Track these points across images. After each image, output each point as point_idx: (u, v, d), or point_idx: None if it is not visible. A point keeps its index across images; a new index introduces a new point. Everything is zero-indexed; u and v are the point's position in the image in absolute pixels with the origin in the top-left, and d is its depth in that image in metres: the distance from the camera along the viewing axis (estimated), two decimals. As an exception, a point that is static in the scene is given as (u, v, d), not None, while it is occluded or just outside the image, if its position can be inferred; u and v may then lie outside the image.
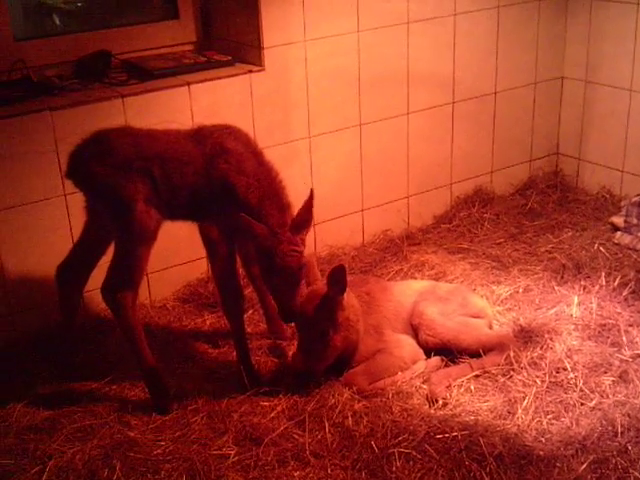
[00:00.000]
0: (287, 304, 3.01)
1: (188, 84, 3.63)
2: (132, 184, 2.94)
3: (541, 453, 2.76)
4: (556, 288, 3.81)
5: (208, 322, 3.72)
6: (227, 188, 2.95)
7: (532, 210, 4.67)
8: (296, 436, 2.91)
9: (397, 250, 4.30)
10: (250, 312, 3.74)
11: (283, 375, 3.30)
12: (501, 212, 4.62)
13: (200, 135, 3.03)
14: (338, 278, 3.10)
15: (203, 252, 3.77)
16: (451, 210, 4.65)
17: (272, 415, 3.03)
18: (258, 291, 3.52)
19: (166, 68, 3.71)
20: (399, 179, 4.42)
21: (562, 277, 3.92)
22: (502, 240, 4.36)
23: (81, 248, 3.22)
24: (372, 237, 4.41)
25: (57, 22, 3.91)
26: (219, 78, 3.70)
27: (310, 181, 4.08)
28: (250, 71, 3.78)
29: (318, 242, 4.16)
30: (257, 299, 3.62)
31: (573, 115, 4.85)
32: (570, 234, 4.33)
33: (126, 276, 3.01)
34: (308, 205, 3.00)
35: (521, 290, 3.83)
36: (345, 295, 3.18)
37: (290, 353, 3.43)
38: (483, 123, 4.64)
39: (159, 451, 2.86)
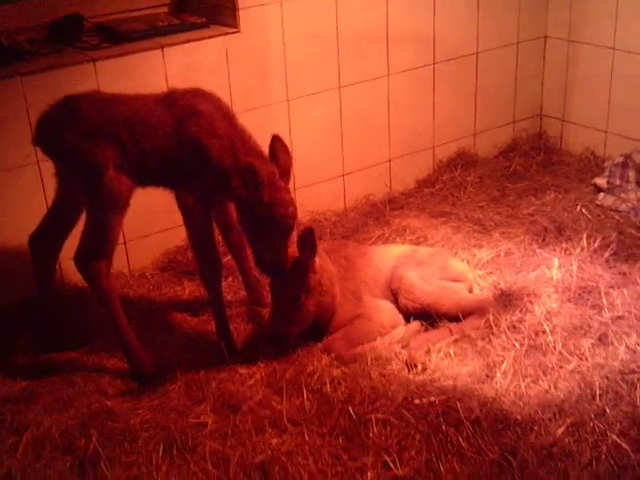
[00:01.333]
0: (278, 256, 2.97)
1: (162, 47, 3.57)
2: (101, 150, 2.88)
3: (518, 417, 2.75)
4: (537, 251, 3.79)
5: (187, 290, 3.69)
6: (199, 151, 2.90)
7: (515, 172, 4.63)
8: (274, 403, 2.90)
9: (379, 215, 4.27)
10: (230, 279, 3.71)
11: (261, 342, 3.28)
12: (484, 175, 4.58)
13: (170, 98, 2.98)
14: (308, 242, 3.07)
15: (180, 219, 3.75)
16: (434, 174, 4.61)
17: (250, 383, 3.02)
18: (236, 258, 3.48)
19: (139, 31, 3.64)
20: (380, 143, 4.37)
21: (543, 240, 3.90)
22: (484, 203, 4.32)
23: (53, 216, 3.17)
24: (354, 202, 4.38)
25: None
26: (194, 41, 3.63)
27: (290, 145, 3.99)
28: (225, 33, 3.71)
29: (299, 208, 4.04)
30: (235, 266, 3.59)
31: (556, 75, 4.79)
32: (552, 196, 4.30)
33: (99, 245, 2.97)
34: (285, 150, 2.97)
35: (502, 254, 3.80)
36: (317, 259, 3.15)
37: (267, 319, 3.42)
38: (465, 84, 4.58)
39: (136, 420, 2.84)
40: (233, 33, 3.71)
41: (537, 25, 4.71)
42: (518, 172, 4.62)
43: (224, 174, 2.89)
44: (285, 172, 2.98)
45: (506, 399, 2.86)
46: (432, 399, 2.82)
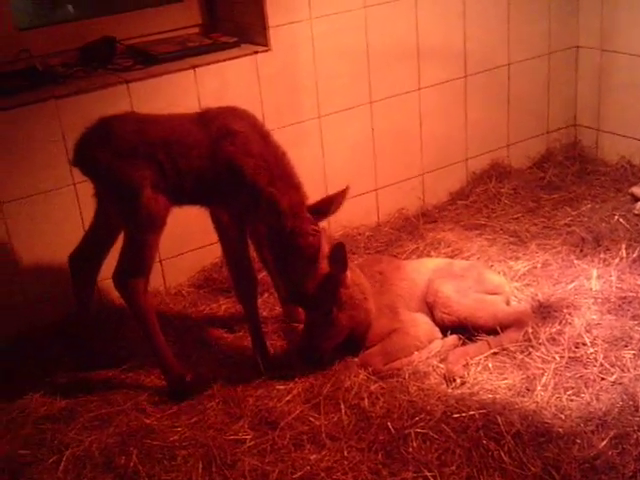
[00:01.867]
0: (301, 286, 2.96)
1: (194, 67, 3.60)
2: (138, 170, 2.91)
3: (560, 430, 2.71)
4: (575, 262, 3.74)
5: (223, 307, 3.70)
6: (234, 170, 2.92)
7: (550, 183, 4.59)
8: (312, 419, 2.89)
9: (413, 229, 4.25)
10: (265, 295, 3.71)
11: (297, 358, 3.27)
12: (518, 186, 4.54)
13: (205, 118, 3.00)
14: (338, 256, 3.06)
15: (216, 237, 3.77)
16: (467, 186, 4.58)
17: (288, 398, 3.01)
18: (272, 274, 3.49)
19: (171, 52, 3.67)
20: (413, 156, 4.36)
21: (581, 250, 3.85)
22: (520, 215, 4.29)
23: (92, 236, 3.21)
24: (387, 216, 4.36)
25: (61, 10, 3.89)
26: (225, 60, 3.66)
27: (322, 162, 4.04)
28: (256, 52, 3.73)
29: (332, 223, 4.11)
30: (271, 283, 3.59)
31: (590, 85, 4.75)
32: (589, 206, 4.25)
33: (136, 263, 2.99)
34: (337, 198, 2.97)
35: (539, 265, 3.77)
36: (349, 273, 3.15)
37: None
38: (497, 96, 4.56)
39: (175, 437, 2.85)
40: (264, 51, 3.73)
41: (568, 35, 4.68)
42: (553, 182, 4.58)
43: (258, 193, 2.90)
44: (318, 212, 2.96)
45: (547, 412, 2.82)
46: (472, 413, 2.79)
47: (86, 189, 3.23)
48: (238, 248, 3.13)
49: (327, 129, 4.01)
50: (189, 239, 3.80)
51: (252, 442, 2.80)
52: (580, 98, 4.84)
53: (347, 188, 2.96)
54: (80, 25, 3.76)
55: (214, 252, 3.86)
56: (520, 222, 4.21)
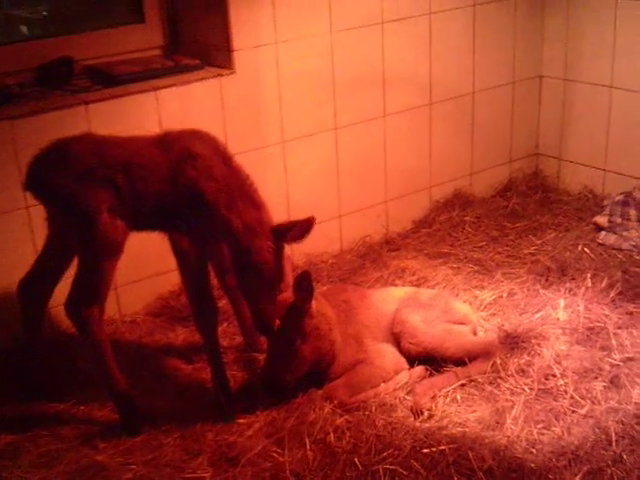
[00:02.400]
0: (263, 311, 2.81)
1: (155, 89, 3.49)
2: (95, 194, 2.78)
3: (532, 465, 2.63)
4: (541, 291, 3.69)
5: (181, 337, 3.56)
6: (195, 195, 2.80)
7: (513, 212, 4.55)
8: (275, 455, 2.76)
9: (376, 257, 4.17)
10: (225, 325, 3.58)
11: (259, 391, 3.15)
12: (482, 215, 4.50)
13: (166, 141, 2.88)
14: (304, 285, 2.96)
15: (174, 263, 3.64)
16: (430, 214, 4.52)
17: (249, 433, 2.89)
18: (233, 302, 3.38)
19: (132, 73, 3.55)
20: (377, 184, 4.30)
21: (547, 280, 3.80)
22: (484, 243, 4.24)
23: (43, 261, 3.05)
24: (350, 244, 4.28)
25: (16, 30, 3.75)
26: (188, 83, 3.55)
27: (285, 188, 3.95)
28: (220, 75, 3.64)
29: (295, 251, 3.99)
30: (232, 311, 3.47)
31: (552, 114, 4.75)
32: (553, 235, 4.23)
33: (91, 291, 2.85)
34: (304, 225, 2.83)
35: (505, 294, 3.71)
36: (314, 303, 3.05)
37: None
38: (461, 124, 4.53)
39: (129, 475, 2.69)
40: (228, 75, 3.64)
41: (532, 64, 4.68)
42: (516, 211, 4.55)
43: (220, 218, 2.79)
44: (281, 233, 2.82)
45: (518, 446, 2.74)
46: (442, 448, 2.69)
47: (39, 212, 3.07)
48: (198, 275, 3.01)
49: (291, 154, 3.92)
50: (145, 265, 3.66)
51: (211, 480, 2.67)
52: (543, 127, 4.84)
53: (313, 218, 2.83)
54: (38, 45, 3.61)
55: (171, 279, 3.73)
56: (484, 251, 4.16)
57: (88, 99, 3.36)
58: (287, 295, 3.06)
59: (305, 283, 2.96)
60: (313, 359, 3.08)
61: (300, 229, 2.82)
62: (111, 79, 3.51)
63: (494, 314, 3.59)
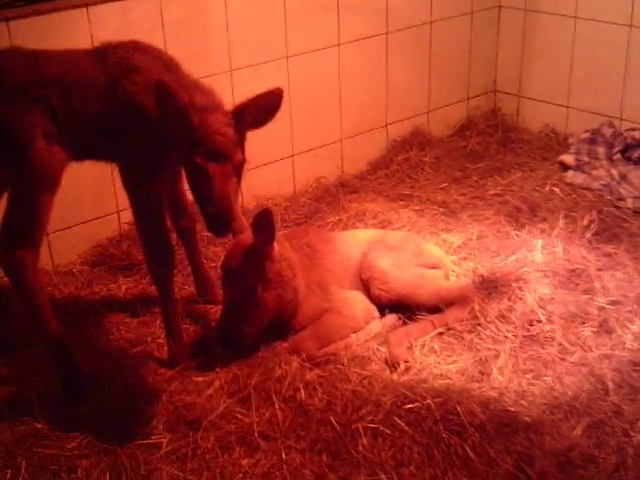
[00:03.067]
0: (220, 200, 2.31)
1: (87, 5, 3.06)
2: (28, 116, 2.39)
3: (527, 419, 2.39)
4: (512, 233, 3.45)
5: (124, 287, 3.19)
6: (136, 113, 2.43)
7: (474, 152, 4.30)
8: (240, 416, 2.46)
9: (333, 199, 3.85)
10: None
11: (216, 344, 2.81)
12: (441, 155, 4.23)
13: (103, 53, 2.49)
14: (264, 225, 2.64)
15: (113, 206, 3.26)
16: (388, 154, 4.22)
17: (209, 392, 2.57)
18: (187, 246, 3.04)
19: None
20: (331, 120, 3.97)
21: (517, 221, 3.56)
22: (446, 184, 3.96)
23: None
24: (304, 186, 3.95)
25: None
26: (123, -1, 3.13)
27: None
28: (159, -9, 3.23)
29: (245, 193, 3.65)
30: (184, 257, 3.11)
31: (512, 48, 4.48)
32: (519, 175, 3.99)
33: (24, 230, 2.46)
34: (266, 100, 2.44)
35: (475, 237, 3.46)
36: (276, 246, 2.73)
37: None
38: (418, 56, 4.22)
39: (73, 445, 2.39)
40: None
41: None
42: (477, 151, 4.29)
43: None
44: (251, 120, 2.44)
45: (507, 398, 2.51)
46: (427, 402, 2.42)
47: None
48: (153, 210, 2.61)
49: (239, 84, 3.55)
50: (80, 209, 3.28)
51: (169, 447, 2.36)
52: (501, 62, 4.58)
53: (280, 89, 2.47)
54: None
55: (110, 224, 3.37)
56: (447, 192, 3.89)
57: (10, 15, 2.92)
58: (245, 237, 2.73)
59: (266, 222, 2.63)
60: (275, 308, 2.76)
61: (264, 105, 2.45)
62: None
63: (465, 258, 3.33)
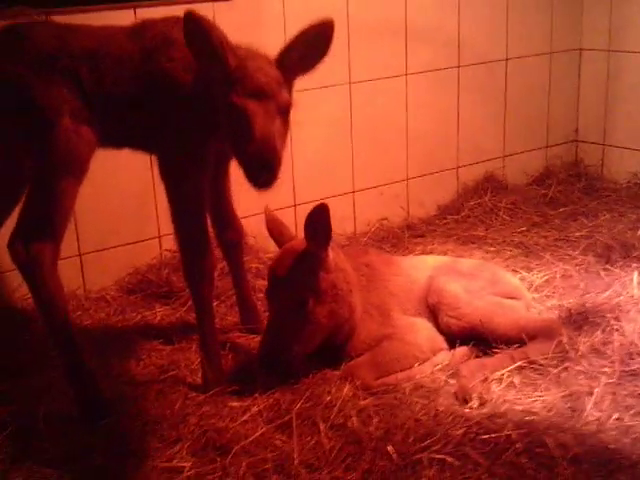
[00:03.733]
0: (263, 144, 1.99)
1: (134, 7, 2.86)
2: (55, 89, 2.14)
3: (634, 457, 1.91)
4: (602, 273, 3.01)
5: (159, 315, 2.85)
6: (173, 92, 2.16)
7: (554, 200, 3.90)
8: (279, 442, 2.05)
9: (397, 241, 3.50)
10: (215, 303, 2.85)
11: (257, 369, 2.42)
12: (518, 201, 3.84)
13: (142, 27, 2.26)
14: (319, 223, 2.29)
15: (154, 231, 2.97)
16: (458, 199, 3.86)
17: (244, 418, 2.16)
18: (231, 262, 2.70)
19: (107, -11, 2.93)
20: (397, 155, 3.66)
21: (607, 261, 3.12)
22: (524, 229, 3.57)
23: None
24: (365, 226, 3.60)
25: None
26: (173, 3, 2.91)
27: (287, 149, 3.27)
28: (213, -1, 3.03)
29: (300, 227, 3.31)
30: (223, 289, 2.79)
31: (594, 92, 4.15)
32: (608, 217, 3.58)
33: (44, 220, 2.15)
34: (315, 33, 2.14)
35: (559, 276, 3.03)
36: (330, 253, 2.36)
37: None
38: (493, 95, 3.92)
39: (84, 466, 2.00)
40: (223, 0, 3.03)
41: (571, 35, 4.10)
42: (558, 199, 3.90)
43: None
44: (298, 62, 2.17)
45: (607, 435, 2.03)
46: (507, 433, 1.97)
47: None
48: (192, 207, 2.30)
49: (296, 109, 3.26)
50: (119, 231, 2.99)
51: (192, 471, 1.96)
52: (583, 107, 4.25)
53: (329, 20, 2.15)
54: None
55: (151, 249, 3.06)
56: (526, 235, 3.50)
57: (51, 12, 2.72)
58: (295, 243, 2.39)
59: (321, 221, 2.28)
60: (328, 326, 2.37)
61: (312, 40, 2.15)
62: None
63: (548, 296, 2.91)
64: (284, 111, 2.10)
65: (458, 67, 3.73)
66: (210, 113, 2.17)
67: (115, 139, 2.29)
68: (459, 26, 3.69)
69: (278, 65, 2.12)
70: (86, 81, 2.16)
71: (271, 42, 3.08)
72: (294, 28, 3.11)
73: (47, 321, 2.22)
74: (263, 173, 2.00)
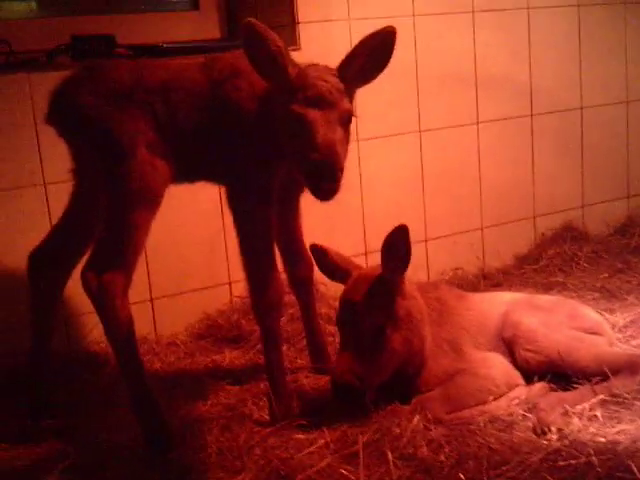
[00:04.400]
0: (325, 151, 1.99)
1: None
2: (131, 122, 2.20)
3: None
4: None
5: (228, 358, 2.82)
6: (240, 122, 2.19)
7: (638, 248, 3.73)
8: (345, 472, 1.96)
9: (473, 289, 3.36)
10: (285, 346, 2.82)
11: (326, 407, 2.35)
12: (599, 249, 3.70)
13: (213, 60, 2.32)
14: (398, 247, 2.23)
15: (225, 277, 2.98)
16: (536, 248, 3.75)
17: (310, 449, 2.09)
18: (301, 300, 2.67)
19: (179, 43, 3.06)
20: (470, 203, 3.60)
21: (699, 302, 2.96)
22: (607, 275, 3.42)
23: (64, 227, 2.43)
24: (439, 275, 3.52)
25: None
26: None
27: (358, 197, 3.29)
28: (282, 51, 3.09)
29: (372, 275, 3.28)
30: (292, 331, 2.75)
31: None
32: (701, 264, 3.40)
33: (117, 250, 2.17)
34: (379, 39, 2.15)
35: (643, 317, 2.87)
36: (406, 281, 2.30)
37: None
38: (568, 144, 3.84)
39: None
40: (292, 50, 3.08)
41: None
42: (642, 249, 3.74)
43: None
44: (358, 70, 2.18)
45: (699, 465, 1.86)
46: (590, 458, 1.84)
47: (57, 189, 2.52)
48: (261, 241, 2.31)
49: (367, 157, 3.29)
50: (190, 277, 3.01)
51: (254, 498, 1.87)
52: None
53: (391, 27, 2.18)
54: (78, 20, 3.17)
55: (221, 295, 3.06)
56: (609, 281, 3.34)
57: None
58: (368, 269, 2.36)
59: (401, 242, 2.23)
60: (403, 355, 2.30)
61: (374, 49, 2.16)
62: (155, 50, 2.98)
63: (632, 336, 2.75)
64: (345, 121, 2.10)
65: (531, 116, 3.68)
66: (276, 143, 2.19)
67: (187, 173, 2.32)
68: (530, 75, 3.67)
69: (339, 74, 2.12)
70: (160, 114, 2.22)
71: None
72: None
73: (116, 350, 2.22)
74: (325, 183, 1.99)
